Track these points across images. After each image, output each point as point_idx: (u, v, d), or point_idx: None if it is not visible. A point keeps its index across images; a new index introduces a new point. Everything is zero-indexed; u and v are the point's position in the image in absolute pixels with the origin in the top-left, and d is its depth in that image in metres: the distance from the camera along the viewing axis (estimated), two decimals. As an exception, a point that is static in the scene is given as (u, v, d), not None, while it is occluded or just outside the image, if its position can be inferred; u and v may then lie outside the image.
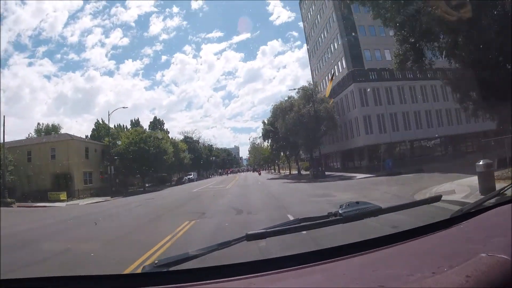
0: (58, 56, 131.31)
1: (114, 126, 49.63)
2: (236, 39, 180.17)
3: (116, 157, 37.36)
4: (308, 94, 36.46)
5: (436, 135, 37.74)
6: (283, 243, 3.01)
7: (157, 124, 71.21)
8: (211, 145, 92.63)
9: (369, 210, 1.46)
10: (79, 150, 35.79)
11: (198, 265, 1.28)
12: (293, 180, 33.60)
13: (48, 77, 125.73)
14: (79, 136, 41.04)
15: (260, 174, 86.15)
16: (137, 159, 36.78)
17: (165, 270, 1.23)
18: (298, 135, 34.94)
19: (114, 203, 24.63)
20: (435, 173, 18.24)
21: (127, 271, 4.50)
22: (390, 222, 4.26)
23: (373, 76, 40.17)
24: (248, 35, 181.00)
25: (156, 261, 1.27)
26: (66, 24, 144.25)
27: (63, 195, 31.41)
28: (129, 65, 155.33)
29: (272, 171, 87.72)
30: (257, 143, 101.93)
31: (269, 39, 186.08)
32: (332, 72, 33.15)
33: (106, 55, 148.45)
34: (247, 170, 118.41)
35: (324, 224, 1.45)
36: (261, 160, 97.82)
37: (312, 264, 1.21)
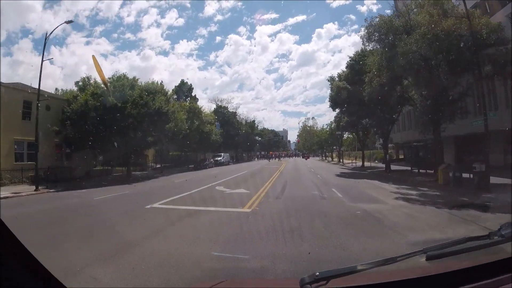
0: (115, 35, 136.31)
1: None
2: (291, 21, 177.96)
3: (71, 117, 21.27)
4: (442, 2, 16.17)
5: None
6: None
7: (184, 88, 55.30)
8: (253, 121, 74.85)
9: None
10: (11, 105, 20.08)
11: (363, 282, 1.30)
12: (408, 188, 14.73)
13: (105, 55, 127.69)
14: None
15: (307, 159, 71.30)
16: (102, 123, 20.23)
17: (325, 284, 1.21)
18: (427, 81, 15.40)
19: None
20: None
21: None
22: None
23: None
24: (303, 17, 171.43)
25: (317, 273, 1.22)
26: (123, 5, 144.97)
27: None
28: (184, 45, 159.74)
29: (329, 158, 67.91)
30: (309, 125, 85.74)
31: (325, 22, 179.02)
32: None
33: (162, 35, 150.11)
34: (295, 155, 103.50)
35: (490, 244, 1.42)
36: (313, 144, 78.66)
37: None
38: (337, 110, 30.77)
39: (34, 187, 17.08)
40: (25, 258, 1.07)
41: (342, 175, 23.83)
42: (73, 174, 23.02)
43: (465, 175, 15.25)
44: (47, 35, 18.65)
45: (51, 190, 17.29)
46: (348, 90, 24.94)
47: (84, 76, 24.56)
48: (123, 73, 23.31)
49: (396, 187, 15.11)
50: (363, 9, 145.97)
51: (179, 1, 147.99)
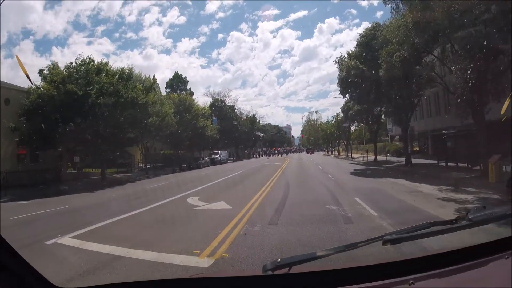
0: (117, 35, 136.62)
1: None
2: (292, 16, 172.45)
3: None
4: None
5: None
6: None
7: (177, 82, 51.35)
8: (254, 115, 70.68)
9: (497, 215, 1.37)
10: None
11: (325, 268, 1.22)
12: (451, 189, 10.88)
13: (107, 55, 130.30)
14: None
15: (311, 154, 69.42)
16: (61, 117, 16.36)
17: (287, 271, 1.17)
18: (480, 45, 11.28)
19: None
20: None
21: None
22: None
23: None
24: (305, 12, 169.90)
25: (279, 260, 1.19)
26: (124, 4, 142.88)
27: None
28: (186, 43, 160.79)
29: (335, 153, 63.75)
30: (313, 120, 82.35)
31: (327, 16, 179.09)
32: None
33: (163, 34, 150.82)
34: (299, 150, 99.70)
35: (455, 229, 1.34)
36: (318, 138, 74.53)
37: (455, 266, 1.21)
38: (347, 97, 26.54)
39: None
40: (19, 262, 1.09)
41: (357, 172, 19.74)
42: (37, 179, 19.27)
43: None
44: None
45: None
46: (361, 70, 20.79)
47: (50, 64, 20.02)
48: (88, 56, 19.00)
49: (437, 189, 11.08)
50: (364, 3, 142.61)
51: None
